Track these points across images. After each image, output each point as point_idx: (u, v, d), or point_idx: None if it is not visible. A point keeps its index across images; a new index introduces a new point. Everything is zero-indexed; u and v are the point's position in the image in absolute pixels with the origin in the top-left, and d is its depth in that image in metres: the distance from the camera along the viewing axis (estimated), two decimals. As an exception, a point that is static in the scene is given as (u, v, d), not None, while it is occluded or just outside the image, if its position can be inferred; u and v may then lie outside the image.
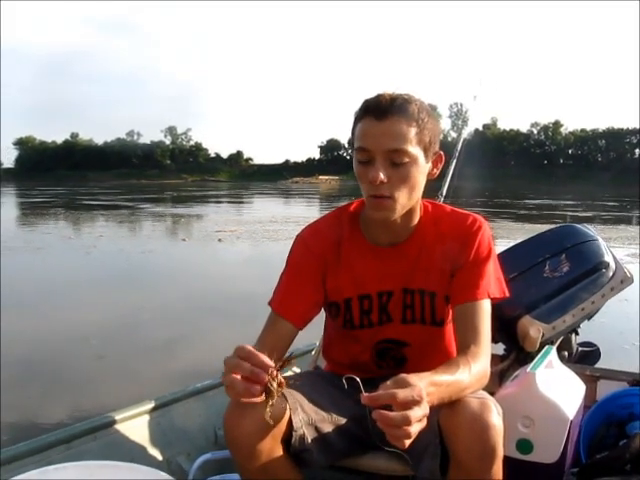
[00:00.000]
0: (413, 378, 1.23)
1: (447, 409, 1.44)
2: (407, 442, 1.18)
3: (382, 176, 1.54)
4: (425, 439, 1.53)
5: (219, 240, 13.89)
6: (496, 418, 1.41)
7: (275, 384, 1.26)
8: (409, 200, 1.63)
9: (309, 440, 1.58)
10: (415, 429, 1.17)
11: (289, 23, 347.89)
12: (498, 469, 1.42)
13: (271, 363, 1.27)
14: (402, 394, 1.17)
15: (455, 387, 1.39)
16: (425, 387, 1.23)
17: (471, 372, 1.45)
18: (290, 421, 1.53)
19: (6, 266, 9.99)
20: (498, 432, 1.40)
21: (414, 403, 1.18)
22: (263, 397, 1.27)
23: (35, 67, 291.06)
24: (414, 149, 1.56)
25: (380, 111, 1.55)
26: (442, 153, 1.69)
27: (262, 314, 1.74)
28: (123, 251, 12.33)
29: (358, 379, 1.24)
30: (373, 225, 1.72)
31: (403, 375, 1.24)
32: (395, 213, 1.62)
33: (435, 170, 1.69)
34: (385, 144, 1.54)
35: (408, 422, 1.16)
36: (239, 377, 1.27)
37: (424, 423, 1.21)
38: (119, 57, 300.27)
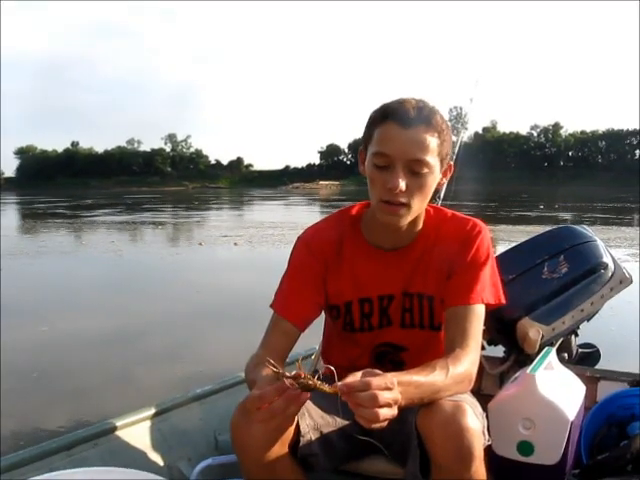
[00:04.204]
0: (382, 373, 1.26)
1: (423, 412, 1.45)
2: (375, 425, 1.20)
3: (402, 185, 1.55)
4: (407, 441, 1.54)
5: (235, 244, 14.26)
6: (471, 420, 1.42)
7: (311, 381, 1.22)
8: (420, 208, 1.65)
9: (315, 444, 1.60)
10: (384, 412, 1.20)
11: (288, 29, 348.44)
12: (477, 470, 1.42)
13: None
14: (376, 382, 1.20)
15: (426, 389, 1.40)
16: None
17: (448, 375, 1.45)
18: (297, 426, 1.54)
19: (45, 270, 10.87)
20: (473, 434, 1.40)
21: (386, 389, 1.21)
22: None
23: (32, 75, 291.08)
24: (434, 160, 1.58)
25: (406, 119, 1.55)
26: (452, 164, 1.71)
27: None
28: (150, 254, 13.01)
29: (333, 368, 1.25)
30: (377, 229, 1.72)
31: (370, 369, 1.27)
32: (406, 219, 1.63)
33: (444, 180, 1.71)
34: (408, 153, 1.54)
35: (375, 402, 1.18)
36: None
37: (395, 412, 1.23)
38: (117, 63, 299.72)
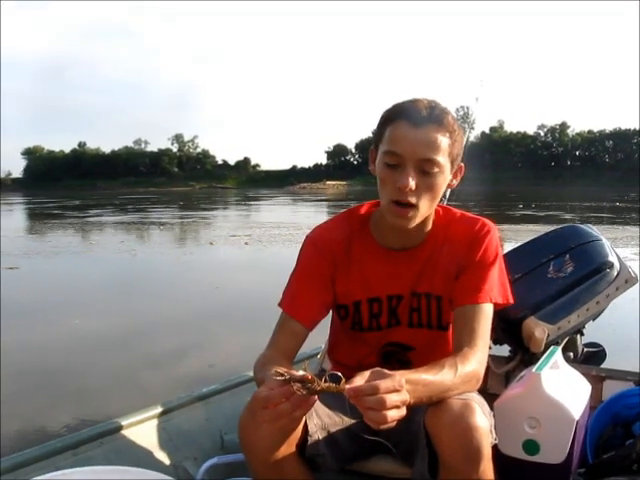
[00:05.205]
0: (390, 372, 1.25)
1: (431, 411, 1.45)
2: (383, 427, 1.20)
3: (412, 184, 1.54)
4: (414, 440, 1.54)
5: (245, 243, 14.30)
6: (480, 419, 1.41)
7: (318, 386, 1.22)
8: (429, 209, 1.64)
9: (323, 444, 1.60)
10: (392, 414, 1.19)
11: (295, 30, 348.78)
12: (486, 469, 1.42)
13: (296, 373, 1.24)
14: (384, 385, 1.20)
15: (435, 388, 1.40)
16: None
17: (457, 374, 1.45)
18: (305, 426, 1.54)
19: (62, 270, 11.10)
20: (482, 433, 1.40)
21: (394, 391, 1.21)
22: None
23: (32, 75, 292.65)
24: (444, 160, 1.57)
25: (418, 118, 1.55)
26: (463, 165, 1.70)
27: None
28: (163, 254, 13.05)
29: (340, 374, 1.23)
30: (386, 229, 1.71)
31: (379, 368, 1.27)
32: (415, 221, 1.62)
33: (454, 181, 1.70)
34: (419, 152, 1.54)
35: (384, 405, 1.18)
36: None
37: (404, 412, 1.23)
38: (117, 63, 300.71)
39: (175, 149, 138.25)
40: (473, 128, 3.03)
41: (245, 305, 7.27)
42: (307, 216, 25.12)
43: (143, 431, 2.17)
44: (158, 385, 4.42)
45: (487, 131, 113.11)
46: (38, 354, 5.32)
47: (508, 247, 2.57)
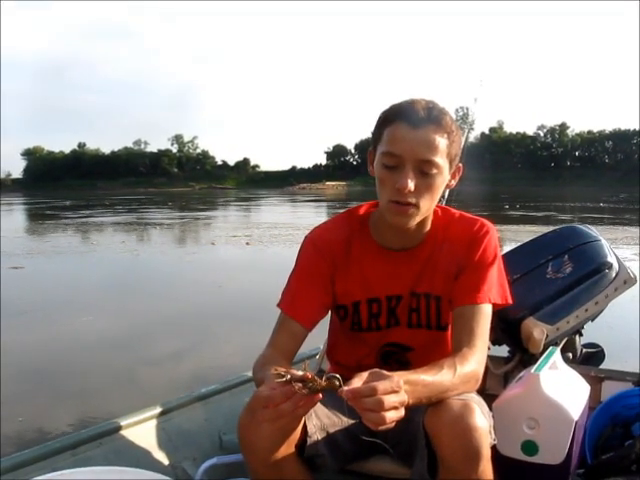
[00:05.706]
0: (389, 373, 1.25)
1: (430, 411, 1.45)
2: (382, 428, 1.20)
3: (411, 185, 1.54)
4: (413, 441, 1.54)
5: (247, 244, 14.31)
6: (479, 419, 1.41)
7: (319, 385, 1.22)
8: (428, 209, 1.64)
9: (322, 445, 1.60)
10: (391, 415, 1.19)
11: (295, 30, 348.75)
12: (485, 469, 1.42)
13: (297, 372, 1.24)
14: (382, 386, 1.20)
15: (434, 388, 1.40)
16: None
17: (456, 374, 1.45)
18: (304, 426, 1.54)
19: (67, 269, 11.18)
20: (481, 433, 1.40)
21: (392, 393, 1.21)
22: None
23: (32, 75, 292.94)
24: (443, 161, 1.57)
25: (416, 119, 1.55)
26: (461, 165, 1.70)
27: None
28: (166, 254, 13.11)
29: (338, 375, 1.23)
30: (386, 229, 1.72)
31: (377, 369, 1.27)
32: (414, 220, 1.62)
33: (453, 181, 1.70)
34: (418, 153, 1.54)
35: (382, 407, 1.18)
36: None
37: (402, 413, 1.23)
38: (117, 64, 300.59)
39: (175, 150, 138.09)
40: (473, 129, 3.03)
41: (247, 304, 7.29)
42: (307, 216, 25.11)
43: (142, 431, 2.17)
44: (160, 385, 4.43)
45: (487, 132, 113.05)
46: (48, 350, 5.40)
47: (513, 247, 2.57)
